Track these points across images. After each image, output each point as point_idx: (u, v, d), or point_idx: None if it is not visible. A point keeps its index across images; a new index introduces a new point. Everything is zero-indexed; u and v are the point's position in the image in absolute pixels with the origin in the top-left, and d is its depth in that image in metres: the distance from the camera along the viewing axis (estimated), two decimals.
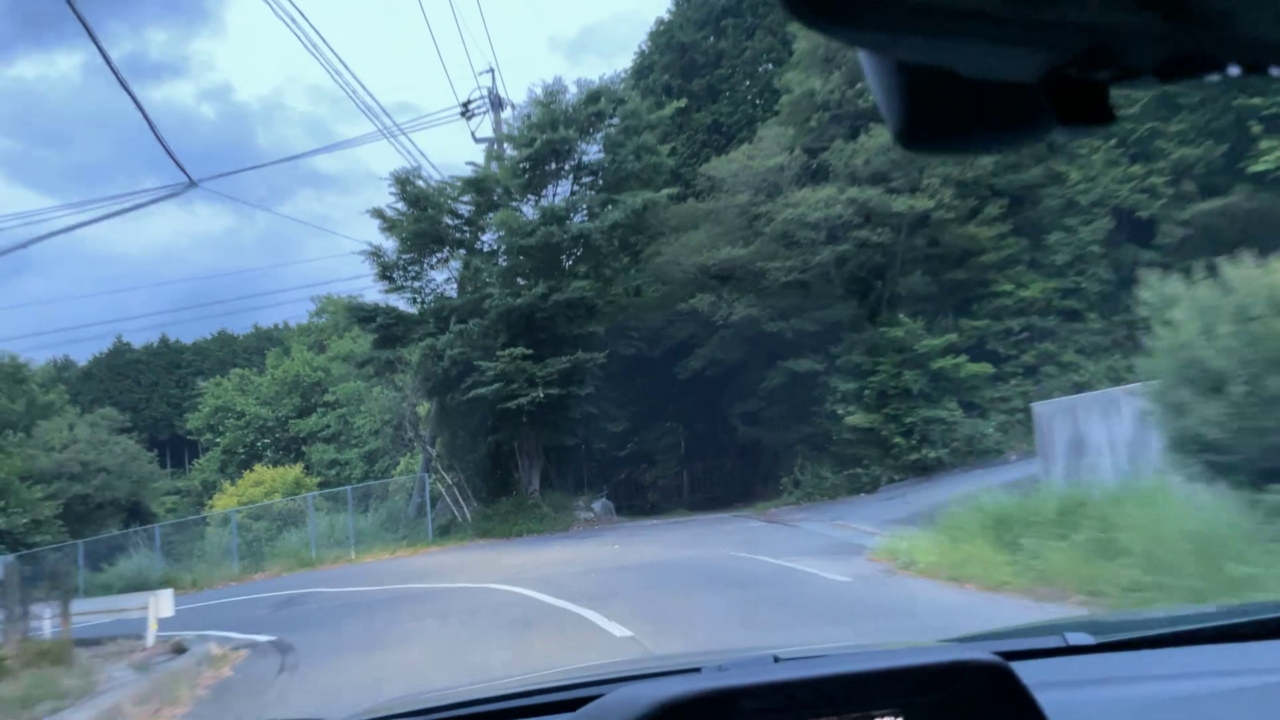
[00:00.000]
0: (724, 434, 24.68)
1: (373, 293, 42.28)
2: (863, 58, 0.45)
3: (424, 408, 26.82)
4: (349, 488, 25.94)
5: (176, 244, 67.76)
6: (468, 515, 23.72)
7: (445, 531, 23.52)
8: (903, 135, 0.46)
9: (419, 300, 24.27)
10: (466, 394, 21.62)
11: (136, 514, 42.28)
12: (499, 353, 21.08)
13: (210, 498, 42.18)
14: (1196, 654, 1.56)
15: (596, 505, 23.97)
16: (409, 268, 24.01)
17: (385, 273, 23.94)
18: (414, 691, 1.91)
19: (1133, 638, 1.61)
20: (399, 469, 30.83)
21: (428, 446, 25.39)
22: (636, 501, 25.56)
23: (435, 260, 24.13)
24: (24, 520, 29.21)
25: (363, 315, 23.80)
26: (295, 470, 40.22)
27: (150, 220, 64.94)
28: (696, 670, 1.38)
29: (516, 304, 21.22)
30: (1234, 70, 0.40)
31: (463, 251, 23.02)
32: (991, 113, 0.44)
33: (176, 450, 54.07)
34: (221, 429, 44.97)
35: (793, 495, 21.96)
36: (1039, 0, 0.36)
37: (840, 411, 21.04)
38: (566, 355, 21.35)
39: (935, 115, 0.45)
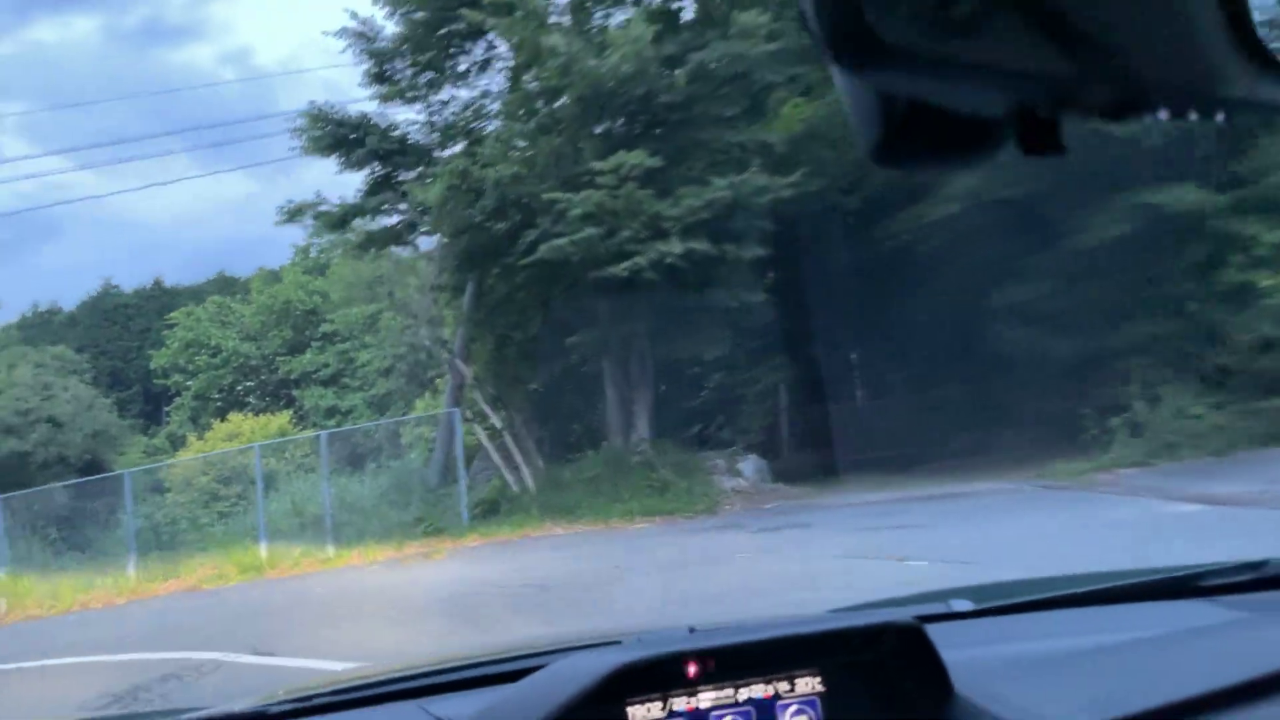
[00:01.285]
0: (968, 343, 14.32)
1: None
2: (840, 85, 0.48)
3: (447, 310, 16.55)
4: (322, 433, 16.00)
5: (200, 209, 61.81)
6: (528, 481, 13.72)
7: (492, 509, 13.57)
8: (874, 153, 0.50)
9: (434, 119, 14.11)
10: (525, 259, 11.54)
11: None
12: (595, 164, 10.85)
13: (175, 455, 32.31)
14: (1065, 616, 1.65)
15: (747, 467, 13.92)
16: (420, 64, 13.80)
17: (379, 68, 13.78)
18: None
19: (1008, 603, 1.70)
20: (417, 410, 21.10)
21: (458, 362, 15.19)
22: (805, 458, 15.33)
23: (463, 59, 13.92)
24: None
25: (340, 136, 13.60)
26: (281, 419, 30.68)
27: (177, 185, 58.70)
28: (617, 643, 1.38)
29: (621, 72, 10.84)
30: (1163, 114, 0.47)
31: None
32: (958, 139, 0.50)
33: (164, 403, 45.11)
34: (192, 368, 35.32)
35: (1125, 449, 11.83)
36: (1007, 55, 0.43)
37: (1260, 284, 10.76)
38: (721, 180, 11.12)
39: (908, 139, 0.49)
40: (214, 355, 35.17)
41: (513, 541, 12.28)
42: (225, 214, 62.59)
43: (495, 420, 14.05)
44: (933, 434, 15.71)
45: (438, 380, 26.39)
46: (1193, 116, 0.48)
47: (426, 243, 15.79)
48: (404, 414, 24.51)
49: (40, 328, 46.35)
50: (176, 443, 33.88)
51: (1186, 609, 1.65)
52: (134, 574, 13.90)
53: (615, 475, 13.22)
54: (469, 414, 14.55)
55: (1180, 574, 1.79)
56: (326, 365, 34.34)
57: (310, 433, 21.41)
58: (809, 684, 1.23)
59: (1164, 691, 1.16)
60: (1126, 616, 1.63)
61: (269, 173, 68.21)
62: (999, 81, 0.45)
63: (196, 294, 51.12)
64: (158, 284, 52.22)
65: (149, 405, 41.62)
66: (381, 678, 1.51)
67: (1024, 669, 1.34)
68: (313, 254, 40.85)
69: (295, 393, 33.72)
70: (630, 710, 1.14)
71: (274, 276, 38.89)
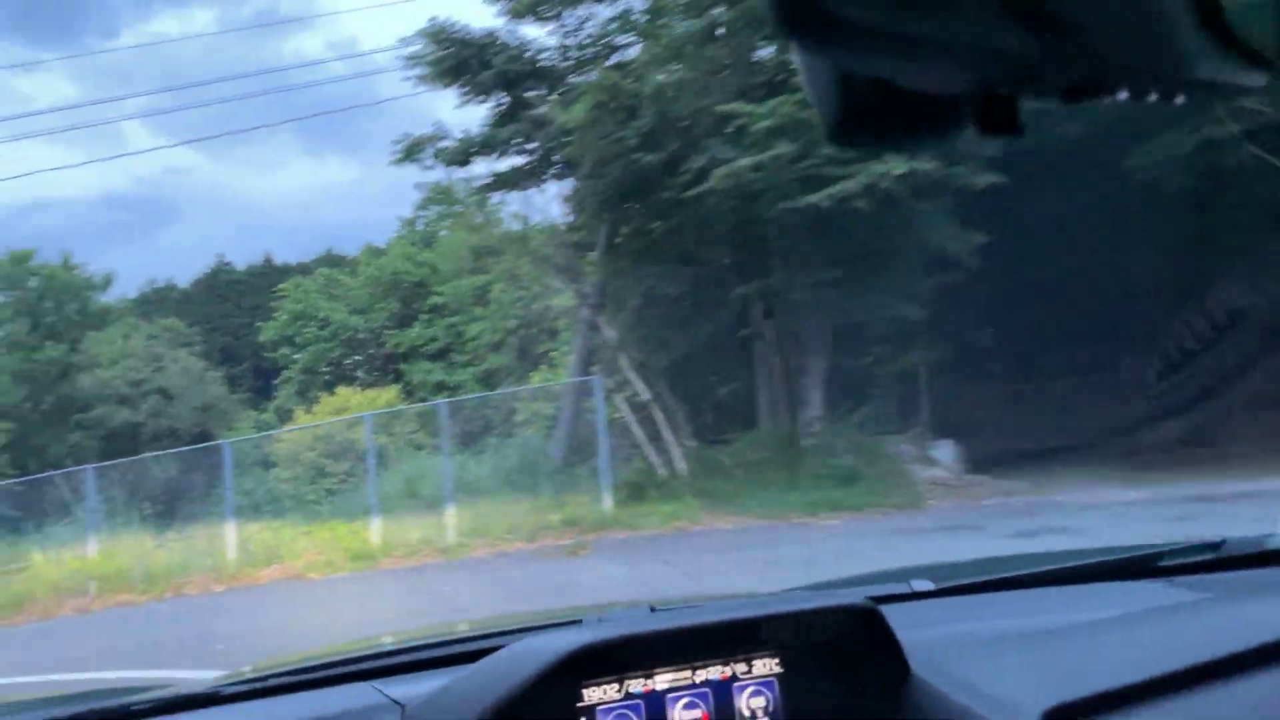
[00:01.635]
0: (1206, 307, 11.56)
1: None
2: (801, 63, 0.49)
3: (583, 260, 14.47)
4: (441, 402, 14.20)
5: (307, 192, 63.36)
6: (678, 463, 11.60)
7: (634, 495, 11.51)
8: (834, 132, 0.50)
9: (569, 41, 12.03)
10: (689, 191, 9.35)
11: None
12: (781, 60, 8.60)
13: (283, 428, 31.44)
14: (1023, 597, 1.65)
15: (943, 454, 11.50)
16: None
17: None
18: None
19: (966, 583, 1.70)
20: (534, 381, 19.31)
21: (599, 321, 13.08)
22: (995, 443, 12.72)
23: None
24: None
25: (463, 59, 11.63)
26: (389, 394, 29.47)
27: (282, 171, 60.21)
28: (578, 622, 1.39)
29: None
30: (1123, 95, 0.48)
31: None
32: (918, 118, 0.50)
33: (273, 379, 45.03)
34: (300, 340, 34.53)
35: None
36: (966, 33, 0.43)
37: None
38: None
39: (867, 118, 0.49)
40: (322, 328, 34.29)
41: (665, 535, 10.20)
42: (331, 197, 63.44)
43: (641, 389, 11.95)
44: (1146, 417, 12.94)
45: (552, 354, 24.58)
46: (1153, 98, 0.48)
47: (550, 193, 13.80)
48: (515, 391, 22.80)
49: (156, 304, 46.71)
50: (284, 417, 33.11)
51: (1144, 589, 1.64)
52: (234, 557, 12.35)
53: (784, 460, 11.02)
54: (610, 382, 12.47)
55: (1139, 554, 1.81)
56: (434, 339, 33.10)
57: (421, 405, 19.78)
58: (766, 665, 1.23)
59: (1118, 673, 1.16)
60: (1084, 597, 1.62)
61: (371, 157, 68.69)
62: (959, 60, 0.44)
63: (305, 271, 51.07)
64: (268, 261, 52.31)
65: (259, 381, 41.33)
66: (338, 658, 1.50)
67: (980, 649, 1.33)
68: (419, 226, 39.88)
69: (402, 367, 32.55)
70: (586, 692, 1.15)
71: (379, 252, 37.92)
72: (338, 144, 69.02)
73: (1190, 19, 0.45)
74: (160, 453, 19.78)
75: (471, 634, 1.62)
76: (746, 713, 1.22)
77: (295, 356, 34.59)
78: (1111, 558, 1.81)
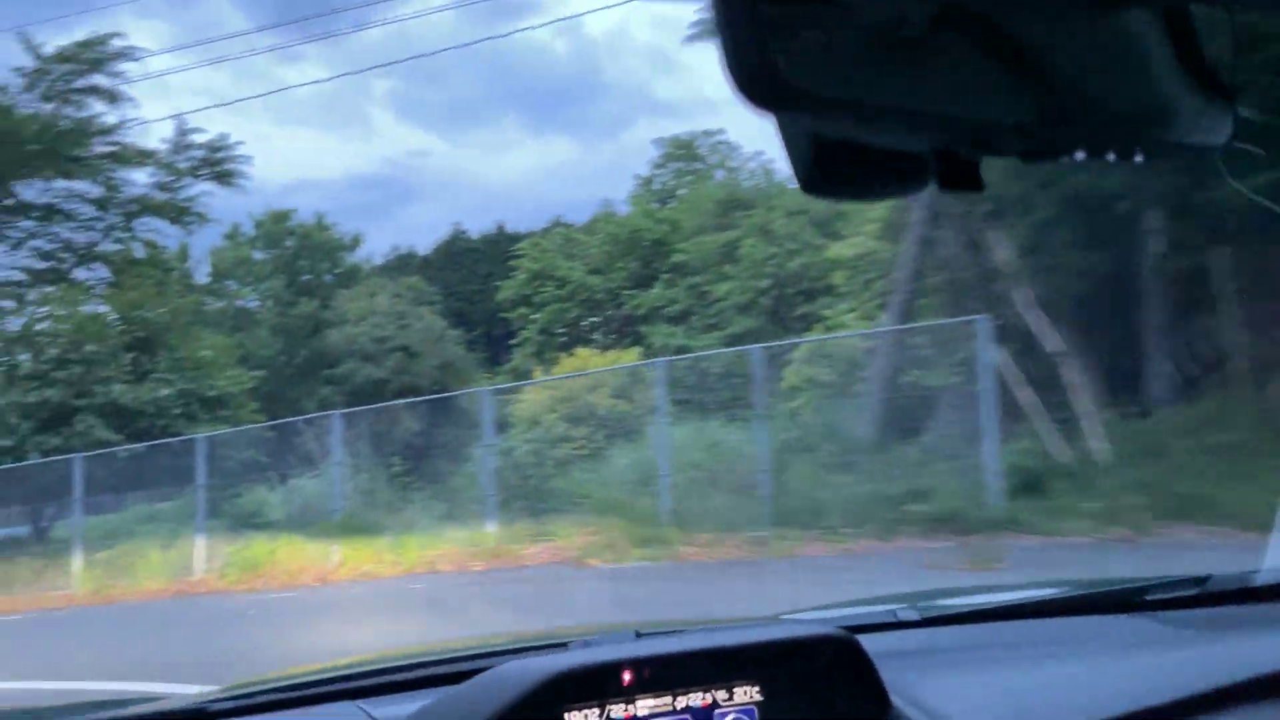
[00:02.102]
0: None
1: None
2: (776, 126, 0.50)
3: None
4: (755, 348, 11.47)
5: (536, 172, 66.68)
6: (1094, 444, 8.20)
7: (1028, 487, 8.21)
8: (806, 184, 0.52)
9: None
10: None
11: None
12: None
13: (518, 392, 30.10)
14: (1006, 629, 1.64)
15: None
16: None
17: None
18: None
19: (949, 613, 1.71)
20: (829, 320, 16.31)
21: (920, 261, 9.77)
22: None
23: None
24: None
25: None
26: (629, 357, 27.51)
27: (512, 151, 61.84)
28: (563, 645, 1.38)
29: None
30: (1080, 156, 0.50)
31: None
32: (884, 173, 0.52)
33: (507, 342, 44.95)
34: (538, 299, 33.30)
35: None
36: (920, 100, 0.45)
37: None
38: None
39: (836, 172, 0.52)
40: (560, 287, 32.88)
41: (1104, 545, 6.96)
42: (558, 175, 63.87)
43: (1047, 337, 8.60)
44: None
45: (825, 313, 21.46)
46: (1109, 158, 0.50)
47: None
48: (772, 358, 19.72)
49: (398, 269, 47.52)
50: (521, 378, 32.02)
51: (1128, 624, 1.63)
52: (495, 530, 10.21)
53: (1267, 443, 7.39)
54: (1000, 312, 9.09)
55: (1123, 587, 1.82)
56: (675, 301, 30.82)
57: (726, 353, 17.17)
58: (747, 693, 1.23)
59: (1099, 706, 1.17)
60: (1068, 630, 1.62)
61: (593, 138, 68.39)
62: (916, 125, 0.46)
63: (535, 241, 50.76)
64: (500, 230, 52.46)
65: (492, 347, 40.98)
66: (322, 676, 1.50)
67: (960, 680, 1.34)
68: (655, 185, 37.79)
69: (642, 329, 30.52)
70: (568, 716, 1.14)
71: (613, 216, 36.12)
72: (560, 124, 69.60)
73: (1160, 65, 0.47)
74: (411, 399, 18.31)
75: (457, 654, 1.60)
76: None
77: (533, 317, 33.41)
78: (1096, 590, 1.85)
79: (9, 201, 20.09)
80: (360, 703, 1.31)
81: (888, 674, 1.21)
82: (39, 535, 15.53)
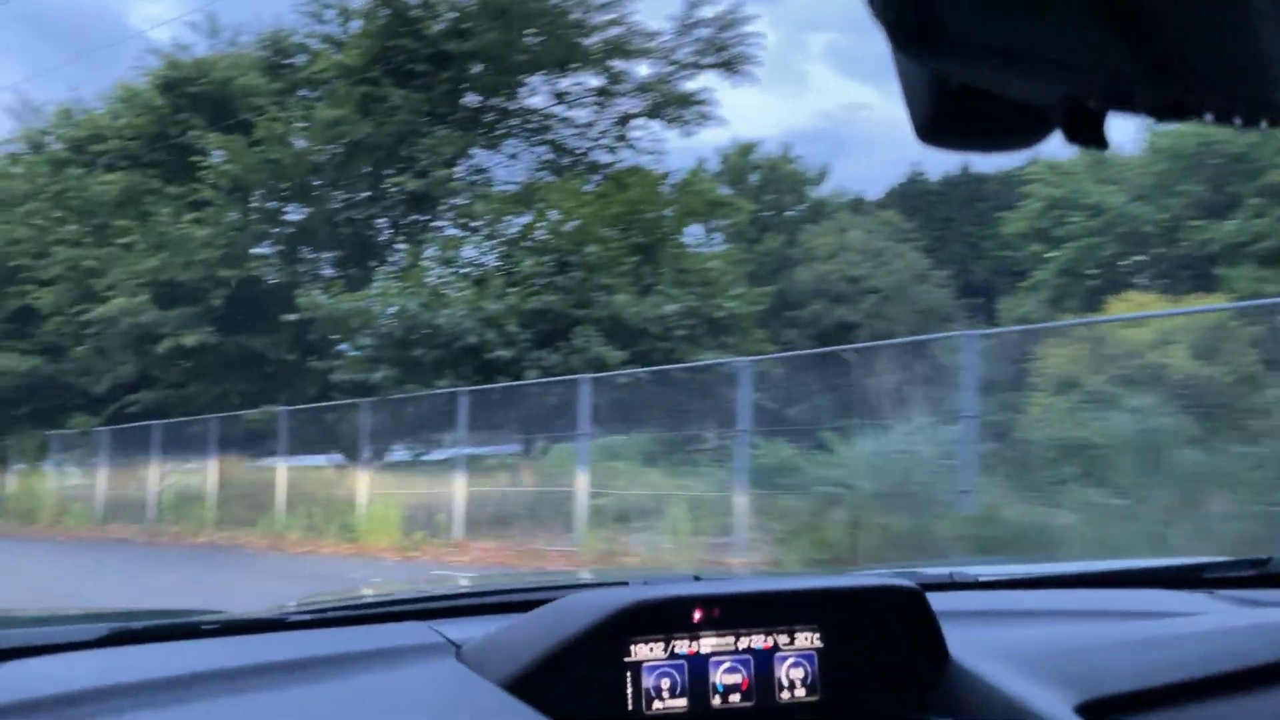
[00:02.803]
0: None
1: None
2: (896, 69, 0.50)
3: None
4: None
5: None
6: None
7: None
8: (923, 132, 0.51)
9: None
10: None
11: None
12: None
13: (1035, 348, 23.88)
14: (1067, 596, 1.65)
15: None
16: None
17: None
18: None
19: (1012, 577, 1.73)
20: None
21: None
22: None
23: None
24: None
25: None
26: (1208, 300, 20.37)
27: None
28: (624, 584, 1.44)
29: None
30: (1209, 118, 0.49)
31: None
32: (1007, 124, 0.51)
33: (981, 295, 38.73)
34: (1057, 235, 26.73)
35: None
36: (1062, 47, 0.44)
37: None
38: None
39: (957, 121, 0.51)
40: (1091, 217, 26.01)
41: None
42: None
43: None
44: None
45: None
46: (1237, 122, 0.49)
47: None
48: None
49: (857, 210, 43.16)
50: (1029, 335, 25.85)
51: (1185, 599, 1.62)
52: None
53: None
54: None
55: (1184, 563, 1.83)
56: (1264, 236, 22.75)
57: None
58: (808, 638, 1.25)
59: (1152, 675, 1.15)
60: (1126, 601, 1.63)
61: None
62: (1052, 72, 0.46)
63: (1008, 180, 42.78)
64: (964, 170, 45.38)
65: (972, 296, 34.82)
66: (395, 596, 1.64)
67: (1018, 641, 1.34)
68: None
69: (1217, 271, 22.88)
70: (634, 648, 1.18)
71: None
72: None
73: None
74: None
75: (526, 585, 1.72)
76: (785, 682, 1.24)
77: (1048, 255, 26.95)
78: (1155, 564, 1.86)
79: (512, 105, 18.84)
80: (430, 623, 1.35)
81: (948, 631, 1.22)
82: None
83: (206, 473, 16.36)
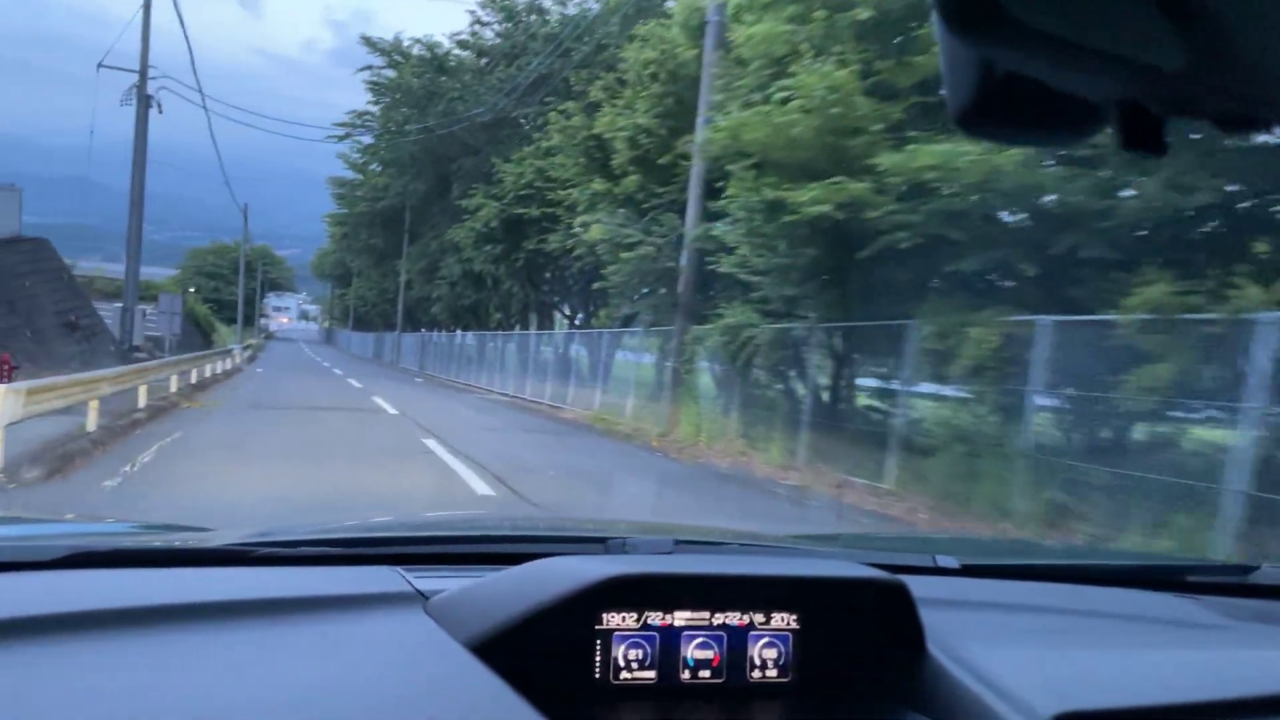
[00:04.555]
0: None
1: None
2: (941, 50, 0.48)
3: None
4: None
5: None
6: None
7: None
8: (961, 117, 0.49)
9: None
10: None
11: None
12: None
13: None
14: (1048, 590, 1.61)
15: None
16: None
17: None
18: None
19: (993, 564, 1.71)
20: None
21: None
22: None
23: None
24: None
25: None
26: None
27: None
28: (601, 541, 1.45)
29: None
30: (1278, 131, 0.47)
31: None
32: (1051, 117, 0.48)
33: None
34: None
35: None
36: (1128, 44, 0.41)
37: None
38: None
39: (1001, 109, 0.48)
40: None
41: None
42: None
43: None
44: None
45: None
46: None
47: None
48: None
49: None
50: None
51: (1170, 604, 1.59)
52: None
53: None
54: None
55: (1168, 564, 1.89)
56: None
57: None
58: (784, 620, 1.24)
59: (1136, 691, 1.12)
60: (1109, 600, 1.59)
61: None
62: (1113, 69, 0.42)
63: None
64: None
65: None
66: (366, 534, 1.61)
67: (998, 637, 1.30)
68: None
69: None
70: (606, 616, 1.17)
71: None
72: None
73: None
74: None
75: (499, 534, 1.72)
76: (758, 661, 1.22)
77: None
78: (1140, 562, 1.89)
79: None
80: (402, 569, 1.32)
81: (925, 621, 1.19)
82: None
83: None
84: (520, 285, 28.69)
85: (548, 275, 28.88)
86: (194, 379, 18.90)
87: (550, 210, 22.41)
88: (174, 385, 16.01)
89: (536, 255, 25.58)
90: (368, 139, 37.36)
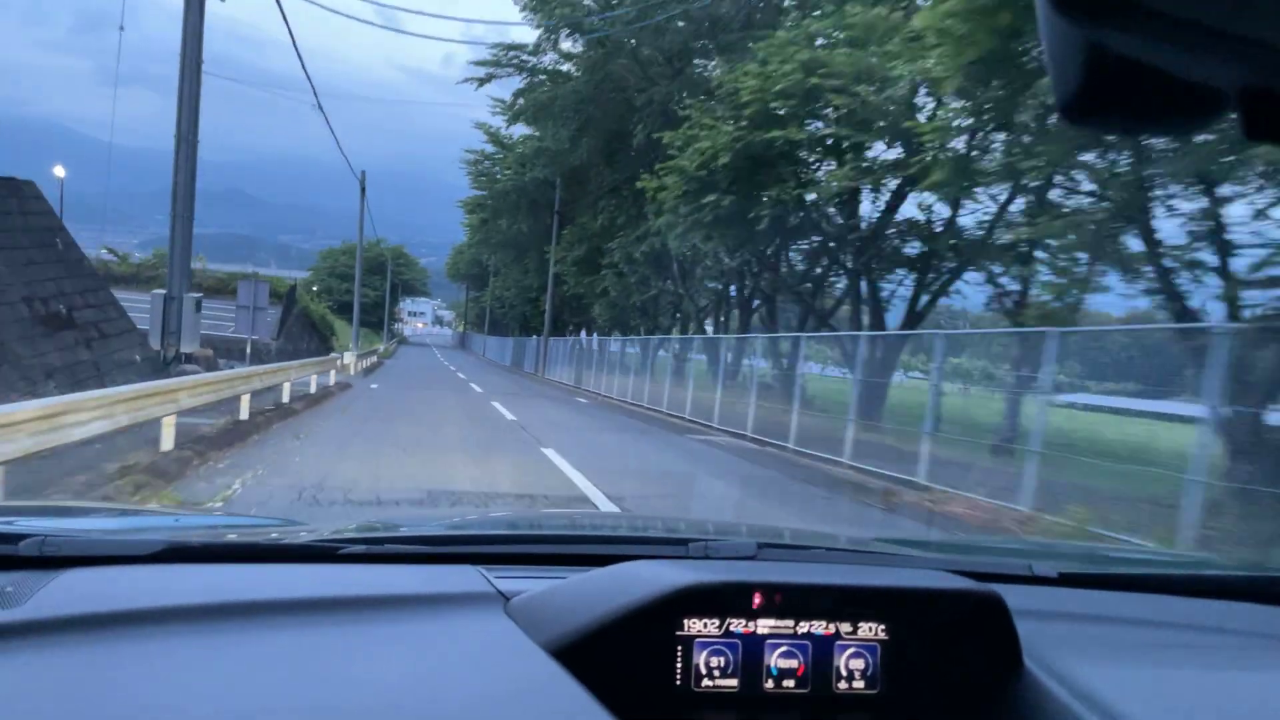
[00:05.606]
0: None
1: None
2: (1045, 32, 0.45)
3: None
4: None
5: None
6: None
7: None
8: (1068, 107, 0.46)
9: None
10: None
11: None
12: None
13: None
14: (1152, 602, 1.51)
15: None
16: None
17: None
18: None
19: (1093, 574, 1.59)
20: None
21: None
22: None
23: None
24: None
25: None
26: None
27: None
28: (683, 543, 1.40)
29: None
30: None
31: None
32: (1166, 105, 0.45)
33: None
34: None
35: None
36: (1259, 26, 0.38)
37: None
38: None
39: (1112, 97, 0.45)
40: None
41: None
42: None
43: None
44: None
45: None
46: None
47: None
48: None
49: None
50: None
51: (1275, 618, 1.46)
52: None
53: None
54: None
55: (1268, 574, 1.66)
56: None
57: None
58: (872, 630, 1.19)
59: (1255, 718, 1.03)
60: (1220, 614, 1.47)
61: None
62: (1239, 52, 0.38)
63: None
64: None
65: None
66: (449, 533, 1.60)
67: (1099, 653, 1.21)
68: None
69: None
70: (687, 622, 1.14)
71: None
72: None
73: None
74: None
75: (580, 535, 1.65)
76: (844, 672, 1.18)
77: None
78: (1242, 573, 1.71)
79: None
80: (483, 569, 1.32)
81: (1021, 631, 1.14)
82: None
83: None
84: (758, 263, 19.33)
85: (804, 246, 19.11)
86: (243, 410, 11.50)
87: (832, 135, 14.65)
88: (168, 440, 8.45)
89: (785, 213, 15.93)
90: (517, 83, 28.87)
